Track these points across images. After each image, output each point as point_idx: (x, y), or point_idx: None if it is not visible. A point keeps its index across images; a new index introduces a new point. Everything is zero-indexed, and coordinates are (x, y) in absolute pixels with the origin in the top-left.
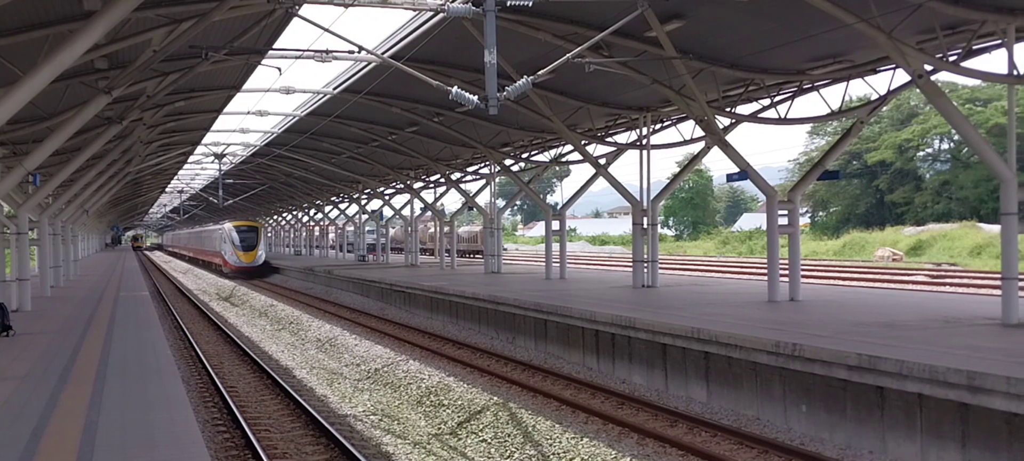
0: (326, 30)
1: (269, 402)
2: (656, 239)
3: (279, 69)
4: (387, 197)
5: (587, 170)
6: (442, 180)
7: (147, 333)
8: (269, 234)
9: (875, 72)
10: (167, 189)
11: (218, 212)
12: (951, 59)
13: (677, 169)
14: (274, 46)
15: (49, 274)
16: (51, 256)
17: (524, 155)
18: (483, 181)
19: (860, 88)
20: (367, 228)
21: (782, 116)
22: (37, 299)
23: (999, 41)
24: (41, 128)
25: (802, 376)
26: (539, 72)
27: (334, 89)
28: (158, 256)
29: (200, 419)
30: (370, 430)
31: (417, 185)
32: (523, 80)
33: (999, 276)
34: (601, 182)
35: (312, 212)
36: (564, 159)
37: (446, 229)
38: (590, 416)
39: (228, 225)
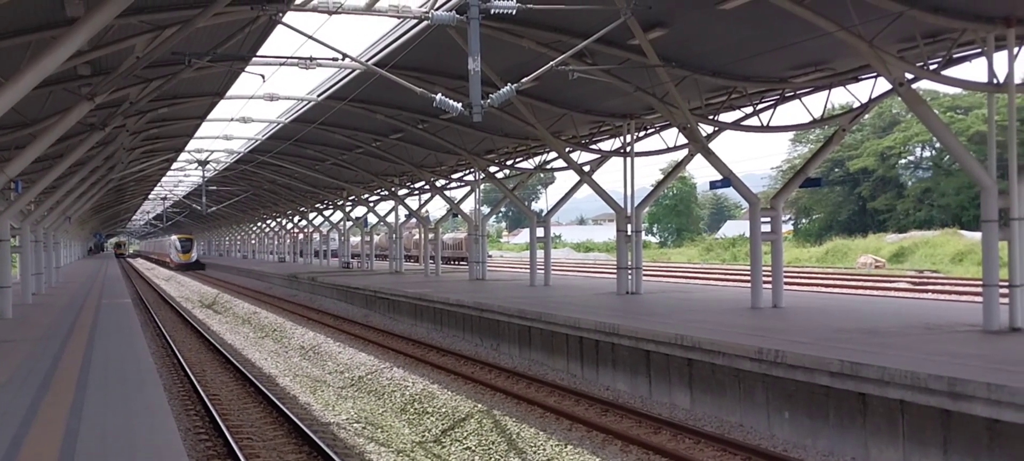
0: (310, 37)
1: (252, 410)
2: (640, 246)
3: (263, 76)
4: (372, 204)
5: (571, 177)
6: (427, 187)
7: (129, 341)
8: (253, 241)
9: (857, 80)
10: (150, 196)
11: (200, 220)
12: (932, 67)
13: (661, 176)
14: (258, 53)
15: (31, 281)
16: (33, 263)
17: (509, 162)
18: (468, 188)
19: (842, 96)
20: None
21: (764, 124)
22: (18, 306)
23: (979, 49)
24: (23, 134)
25: (785, 383)
26: (523, 79)
27: (318, 96)
28: (140, 263)
29: (182, 427)
30: (353, 438)
31: (402, 192)
32: (507, 87)
33: (980, 283)
34: (585, 189)
35: (296, 219)
36: (548, 166)
37: (431, 236)
38: (574, 423)
39: (173, 237)
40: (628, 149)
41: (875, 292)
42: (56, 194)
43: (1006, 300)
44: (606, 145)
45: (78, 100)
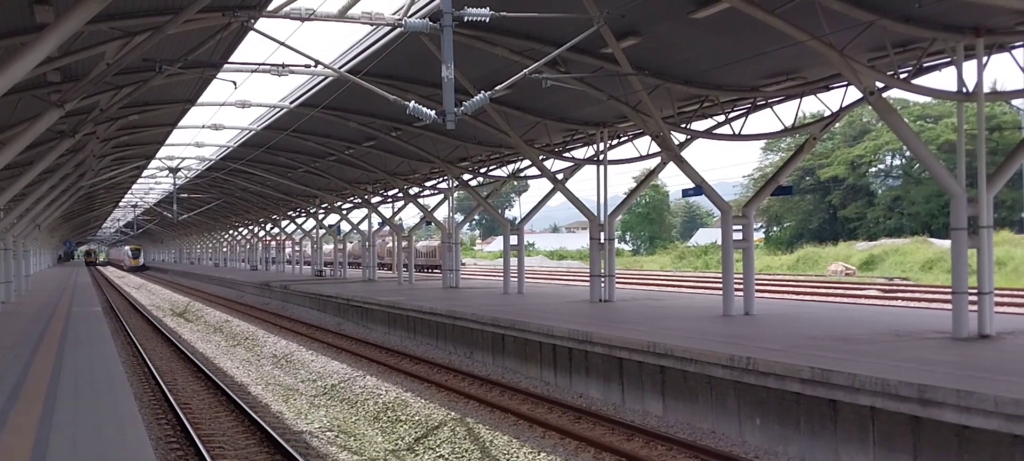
0: (282, 44)
1: (223, 419)
2: (613, 254)
3: (234, 83)
4: (345, 212)
5: (545, 185)
6: (400, 194)
7: (99, 349)
8: (225, 249)
9: (827, 89)
10: (120, 204)
11: (171, 227)
12: (902, 76)
13: (634, 184)
14: (230, 60)
15: (0, 289)
16: (2, 271)
17: (482, 170)
18: (441, 196)
19: (813, 105)
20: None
21: (736, 132)
22: None
23: (948, 59)
24: None
25: (756, 389)
26: (496, 87)
27: (290, 103)
28: (110, 271)
29: (153, 436)
30: (326, 446)
31: (375, 200)
32: (480, 95)
33: (949, 290)
34: (559, 197)
35: (268, 227)
36: (522, 174)
37: (404, 244)
38: (547, 430)
39: (126, 247)
40: (601, 157)
41: (846, 299)
42: (25, 202)
43: (975, 307)
44: (579, 153)
45: (47, 107)
